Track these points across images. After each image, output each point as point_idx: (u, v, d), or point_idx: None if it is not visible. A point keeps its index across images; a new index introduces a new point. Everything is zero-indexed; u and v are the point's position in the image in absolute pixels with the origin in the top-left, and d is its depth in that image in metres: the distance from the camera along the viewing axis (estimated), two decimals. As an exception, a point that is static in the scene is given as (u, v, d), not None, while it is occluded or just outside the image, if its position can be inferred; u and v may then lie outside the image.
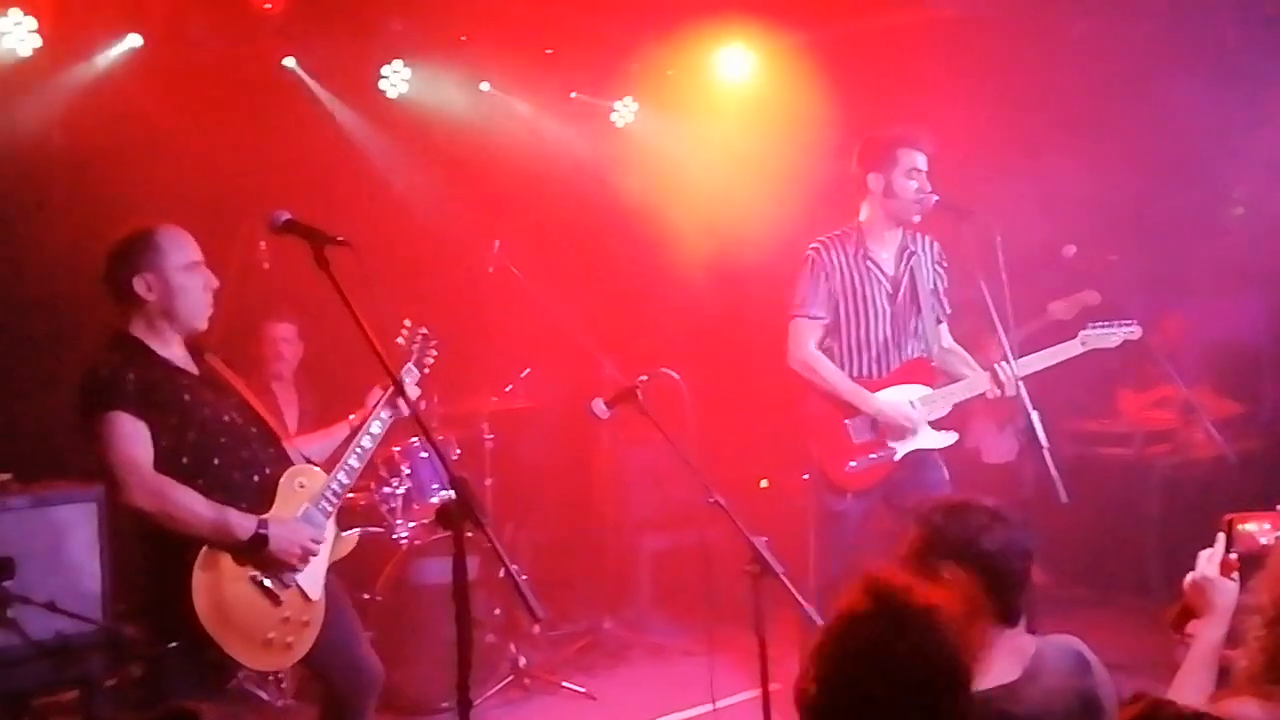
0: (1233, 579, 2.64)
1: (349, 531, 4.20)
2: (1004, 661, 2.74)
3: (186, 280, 3.79)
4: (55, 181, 6.11)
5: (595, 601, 6.98)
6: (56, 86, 6.03)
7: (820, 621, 3.93)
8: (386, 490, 6.01)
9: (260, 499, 3.82)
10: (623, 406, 4.15)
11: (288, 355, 6.43)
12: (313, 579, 3.90)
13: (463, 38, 7.09)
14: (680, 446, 3.96)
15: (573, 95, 7.68)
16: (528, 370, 6.89)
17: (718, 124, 7.76)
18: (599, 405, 4.24)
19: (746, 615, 3.69)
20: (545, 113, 7.76)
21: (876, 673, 2.00)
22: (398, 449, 6.03)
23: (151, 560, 3.74)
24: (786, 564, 3.70)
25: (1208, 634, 2.63)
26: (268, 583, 3.76)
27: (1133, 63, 7.23)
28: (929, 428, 5.00)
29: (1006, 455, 7.10)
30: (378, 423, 4.14)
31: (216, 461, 3.75)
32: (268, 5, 6.07)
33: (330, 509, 3.99)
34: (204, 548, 3.65)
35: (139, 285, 3.76)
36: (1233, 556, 2.65)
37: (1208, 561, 2.68)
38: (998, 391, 4.90)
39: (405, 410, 4.09)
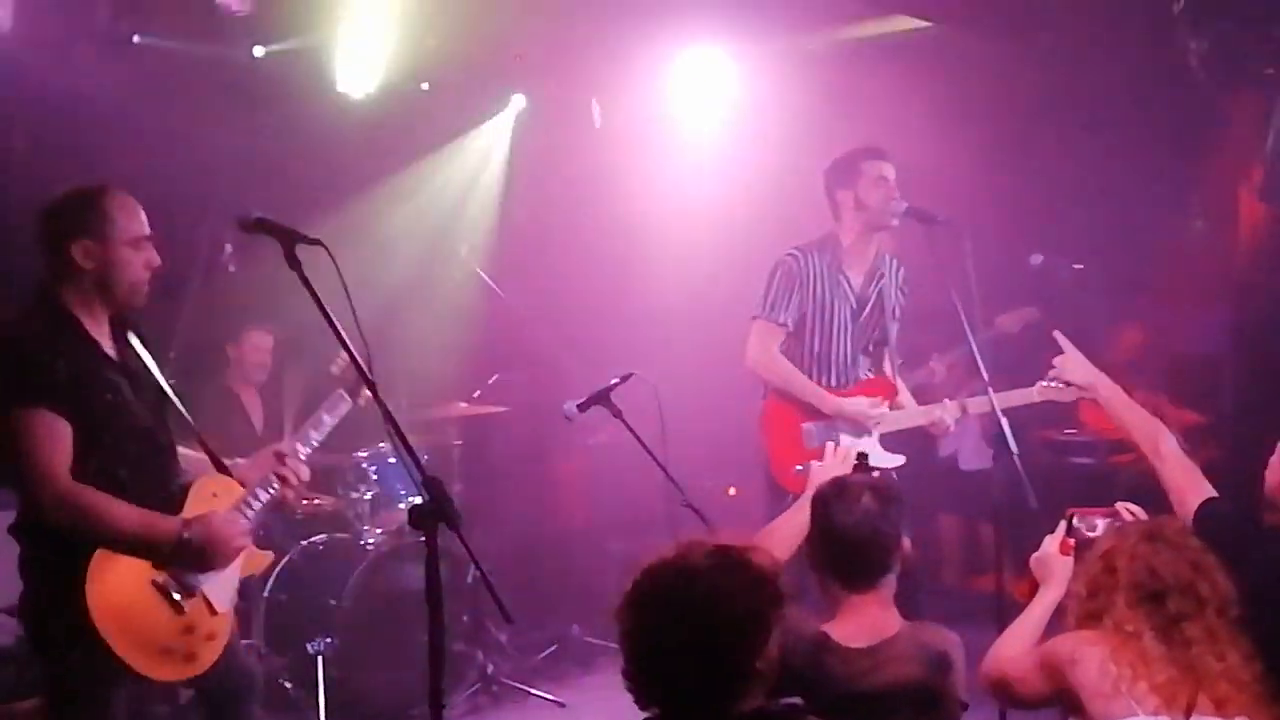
0: (1069, 557, 3.24)
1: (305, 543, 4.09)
2: (851, 626, 3.06)
3: (131, 255, 3.50)
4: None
5: (563, 608, 6.95)
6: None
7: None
8: (354, 496, 5.99)
9: (167, 512, 3.52)
10: (594, 409, 4.15)
11: (268, 363, 6.44)
12: (220, 590, 3.60)
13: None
14: (653, 450, 3.96)
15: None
16: (496, 377, 6.87)
17: (686, 130, 7.77)
18: (570, 407, 4.24)
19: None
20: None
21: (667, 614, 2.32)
22: (365, 454, 6.00)
23: (39, 546, 3.39)
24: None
25: (1045, 596, 3.23)
26: (174, 593, 3.47)
27: (1096, 75, 7.31)
28: (879, 447, 5.00)
29: (984, 463, 7.12)
30: (314, 430, 3.97)
31: (123, 473, 3.45)
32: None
33: (246, 522, 3.69)
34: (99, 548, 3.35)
35: (77, 251, 3.43)
36: (1071, 541, 3.28)
37: (1049, 543, 3.31)
38: (948, 425, 4.93)
39: (337, 418, 3.99)
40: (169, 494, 3.58)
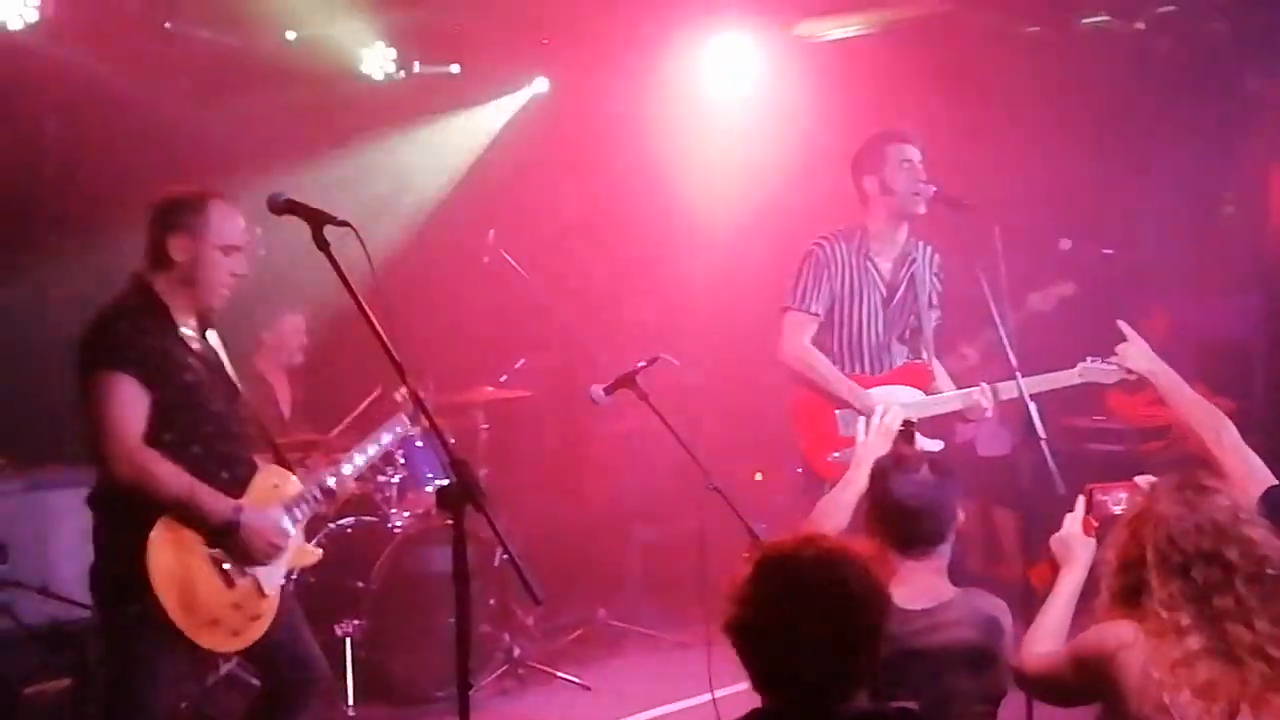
0: (1091, 537, 3.18)
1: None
2: (908, 590, 3.11)
3: (220, 258, 3.80)
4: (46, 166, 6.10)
5: (589, 592, 6.97)
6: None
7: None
8: (381, 479, 6.01)
9: (230, 494, 3.77)
10: (621, 393, 4.17)
11: (305, 346, 6.49)
12: (271, 575, 3.84)
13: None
14: (679, 433, 3.96)
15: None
16: (522, 361, 6.89)
17: (713, 115, 7.76)
18: (597, 391, 4.25)
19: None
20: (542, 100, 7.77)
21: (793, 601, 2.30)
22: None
23: (110, 514, 3.69)
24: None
25: (1069, 578, 3.17)
26: (226, 566, 3.71)
27: (1126, 60, 7.26)
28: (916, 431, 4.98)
29: (1002, 448, 7.10)
30: (374, 446, 4.31)
31: (196, 450, 3.70)
32: None
33: (301, 517, 3.96)
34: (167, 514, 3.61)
35: (173, 245, 3.75)
36: (1094, 520, 3.20)
37: (1071, 522, 3.25)
38: (985, 409, 4.89)
39: (405, 430, 4.40)
40: (235, 477, 3.81)
